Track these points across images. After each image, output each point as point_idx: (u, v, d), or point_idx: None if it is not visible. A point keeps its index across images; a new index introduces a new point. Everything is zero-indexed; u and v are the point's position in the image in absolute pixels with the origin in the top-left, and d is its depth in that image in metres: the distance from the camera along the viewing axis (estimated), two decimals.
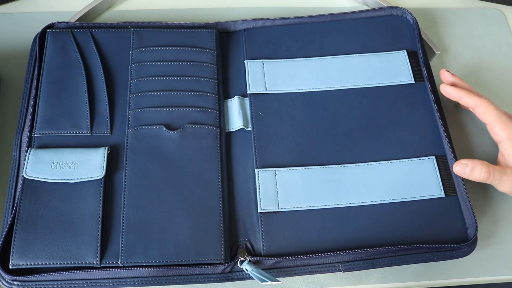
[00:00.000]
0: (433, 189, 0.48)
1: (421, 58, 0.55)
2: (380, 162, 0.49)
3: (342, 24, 0.57)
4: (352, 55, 0.55)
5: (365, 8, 0.64)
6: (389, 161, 0.49)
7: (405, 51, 0.56)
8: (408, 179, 0.49)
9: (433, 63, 0.60)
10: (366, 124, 0.51)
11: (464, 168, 0.47)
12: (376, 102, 0.53)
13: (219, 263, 0.44)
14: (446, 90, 0.52)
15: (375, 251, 0.45)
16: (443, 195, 0.48)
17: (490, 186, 0.52)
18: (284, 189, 0.48)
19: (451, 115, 0.56)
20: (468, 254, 0.46)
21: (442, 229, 0.47)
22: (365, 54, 0.55)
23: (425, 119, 0.52)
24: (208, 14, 0.61)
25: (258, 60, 0.54)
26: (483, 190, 0.52)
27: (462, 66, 0.60)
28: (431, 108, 0.52)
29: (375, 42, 0.56)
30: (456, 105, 0.57)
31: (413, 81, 0.54)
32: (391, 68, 0.54)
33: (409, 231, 0.46)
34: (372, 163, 0.49)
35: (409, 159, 0.49)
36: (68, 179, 0.45)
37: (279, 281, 0.42)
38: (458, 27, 0.63)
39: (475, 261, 0.48)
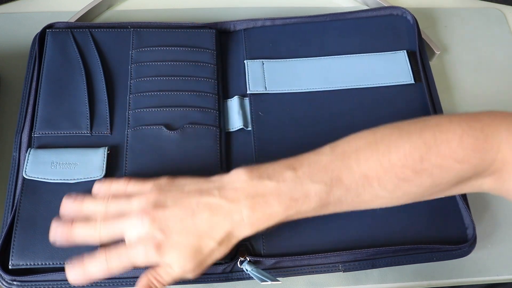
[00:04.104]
0: None
1: (419, 58, 0.55)
2: None
3: (342, 24, 0.57)
4: (352, 55, 0.55)
5: (365, 7, 0.64)
6: None
7: (405, 51, 0.56)
8: None
9: (433, 63, 0.60)
10: (365, 125, 0.51)
11: None
12: (376, 102, 0.52)
13: (219, 263, 0.44)
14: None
15: (375, 251, 0.45)
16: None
17: None
18: None
19: None
20: (467, 254, 0.46)
21: (442, 230, 0.47)
22: (365, 54, 0.55)
23: None
24: (208, 14, 0.61)
25: (258, 60, 0.54)
26: None
27: (462, 66, 0.60)
28: (432, 107, 0.52)
29: (375, 42, 0.56)
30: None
31: (413, 82, 0.54)
32: (391, 69, 0.54)
33: (408, 231, 0.46)
34: None
35: None
36: (68, 179, 0.45)
37: (279, 281, 0.42)
38: (458, 27, 0.63)
39: (475, 261, 0.48)
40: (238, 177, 0.39)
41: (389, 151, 0.37)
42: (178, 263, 0.38)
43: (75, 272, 0.38)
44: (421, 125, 0.38)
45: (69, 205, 0.41)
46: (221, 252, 0.39)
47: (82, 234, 0.39)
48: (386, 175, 0.36)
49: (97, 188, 0.42)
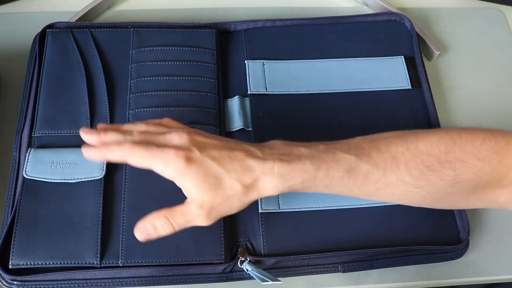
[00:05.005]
0: None
1: (419, 64, 0.56)
2: None
3: (342, 27, 0.58)
4: (350, 59, 0.56)
5: (366, 8, 0.64)
6: None
7: (402, 57, 0.56)
8: None
9: (433, 63, 0.60)
10: (364, 128, 0.51)
11: (146, 231, 0.39)
12: (374, 106, 0.53)
13: (219, 263, 0.44)
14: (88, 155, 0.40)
15: (373, 252, 0.45)
16: None
17: None
18: None
19: (447, 121, 0.56)
20: (461, 256, 0.47)
21: (437, 232, 0.48)
22: (363, 58, 0.56)
23: (421, 125, 0.52)
24: (208, 14, 0.61)
25: (258, 61, 0.55)
26: None
27: (461, 66, 0.60)
28: (427, 113, 0.53)
29: (374, 46, 0.57)
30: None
31: (410, 87, 0.54)
32: (388, 73, 0.55)
33: (405, 233, 0.47)
34: None
35: None
36: (68, 179, 0.45)
37: (279, 280, 0.42)
38: (458, 27, 0.63)
39: (474, 261, 0.48)
40: (275, 142, 0.41)
41: (417, 140, 0.39)
42: (196, 189, 0.37)
43: (95, 151, 0.39)
44: (446, 128, 0.41)
45: (105, 125, 0.41)
46: (240, 202, 0.39)
47: (113, 139, 0.39)
48: (413, 160, 0.39)
49: (136, 122, 0.42)
